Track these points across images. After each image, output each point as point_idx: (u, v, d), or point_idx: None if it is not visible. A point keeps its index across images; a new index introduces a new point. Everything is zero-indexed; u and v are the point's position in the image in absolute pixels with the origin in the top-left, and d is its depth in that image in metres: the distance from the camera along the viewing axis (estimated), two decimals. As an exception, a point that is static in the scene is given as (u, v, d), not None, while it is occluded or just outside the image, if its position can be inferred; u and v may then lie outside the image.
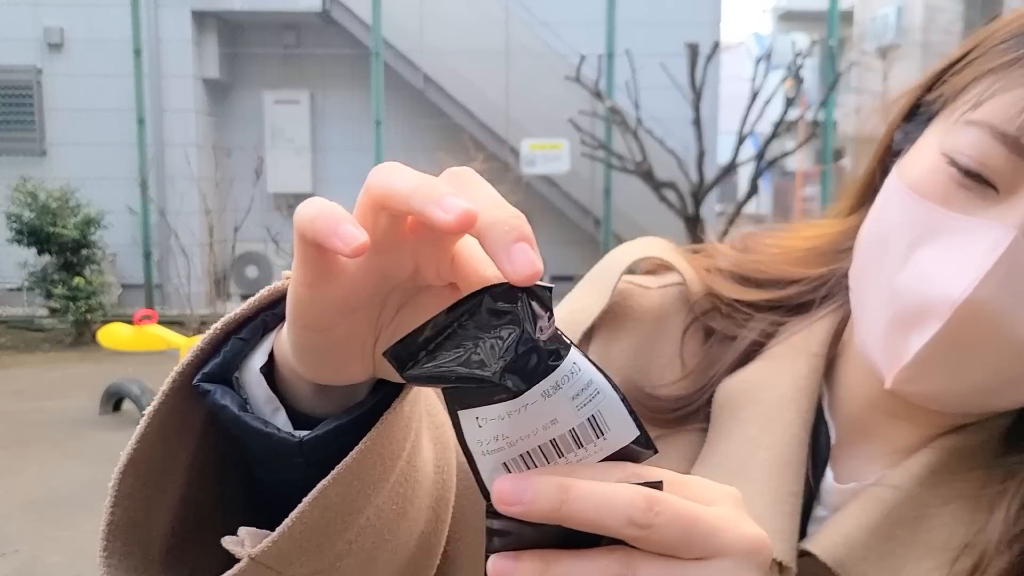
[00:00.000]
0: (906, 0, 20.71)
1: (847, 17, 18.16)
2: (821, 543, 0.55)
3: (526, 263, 0.33)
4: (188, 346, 3.91)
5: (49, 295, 7.55)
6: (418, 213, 0.34)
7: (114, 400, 5.43)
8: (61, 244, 7.53)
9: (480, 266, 0.38)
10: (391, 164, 0.36)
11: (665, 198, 7.24)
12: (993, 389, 0.51)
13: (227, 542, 0.42)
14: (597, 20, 8.44)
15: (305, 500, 0.40)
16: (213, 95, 9.40)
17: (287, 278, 0.42)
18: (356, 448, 0.41)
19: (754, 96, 7.05)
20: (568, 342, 0.37)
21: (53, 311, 7.71)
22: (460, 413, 0.37)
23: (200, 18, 9.04)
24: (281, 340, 0.43)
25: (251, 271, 9.31)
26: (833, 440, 0.60)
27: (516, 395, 0.35)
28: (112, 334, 5.10)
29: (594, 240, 8.87)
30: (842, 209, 0.64)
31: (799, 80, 7.22)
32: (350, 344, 0.40)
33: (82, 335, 7.63)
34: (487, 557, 0.37)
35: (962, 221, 0.49)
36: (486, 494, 0.37)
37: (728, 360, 0.62)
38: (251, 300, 0.45)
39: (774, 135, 7.22)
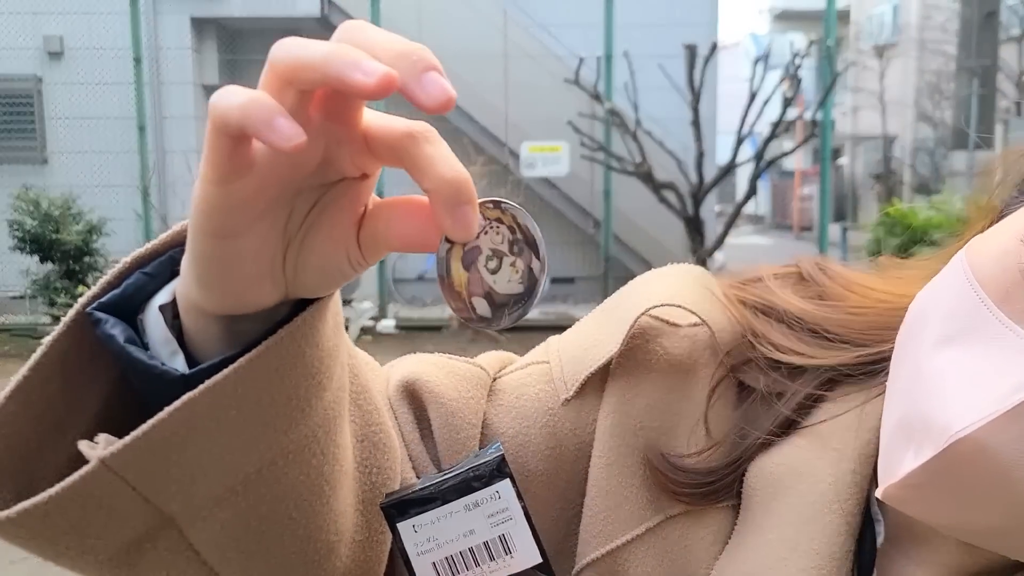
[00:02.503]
0: (902, -1, 20.76)
1: (843, 16, 18.20)
2: None
3: (438, 90, 0.33)
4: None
5: (52, 303, 7.56)
6: (335, 81, 0.32)
7: (119, 407, 5.45)
8: (64, 252, 7.54)
9: (394, 126, 0.37)
10: (293, 38, 0.34)
11: (665, 199, 7.26)
12: (1013, 533, 0.42)
13: (82, 445, 0.39)
14: (595, 22, 8.47)
15: (171, 407, 0.38)
16: (213, 101, 9.42)
17: None
18: (233, 364, 0.38)
19: (753, 97, 7.07)
20: (506, 472, 0.46)
21: (56, 319, 7.71)
22: (399, 525, 0.46)
23: (199, 25, 9.07)
24: (183, 274, 0.40)
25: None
26: (880, 542, 0.50)
27: (445, 503, 0.45)
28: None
29: (594, 242, 8.90)
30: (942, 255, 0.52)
31: (798, 80, 7.25)
32: (259, 255, 0.38)
33: (85, 342, 7.65)
34: None
35: (1009, 332, 0.40)
36: None
37: (765, 429, 0.52)
38: (165, 234, 0.43)
39: (773, 135, 7.25)
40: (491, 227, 0.40)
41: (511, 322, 0.40)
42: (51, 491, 0.38)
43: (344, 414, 0.45)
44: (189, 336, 0.41)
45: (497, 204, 0.40)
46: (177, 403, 0.38)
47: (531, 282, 0.40)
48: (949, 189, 8.55)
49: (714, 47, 7.22)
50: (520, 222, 0.41)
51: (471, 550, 0.46)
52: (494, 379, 0.59)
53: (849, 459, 0.49)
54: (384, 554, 0.51)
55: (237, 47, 9.35)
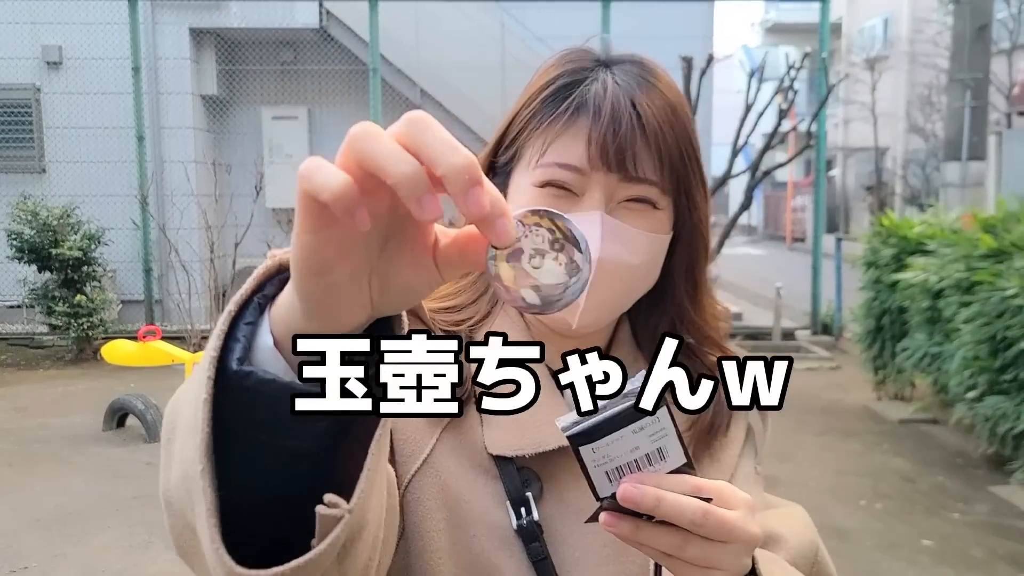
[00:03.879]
0: (893, 12, 20.92)
1: (835, 29, 18.32)
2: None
3: (478, 204, 0.43)
4: (193, 361, 3.93)
5: (50, 312, 7.56)
6: (400, 195, 0.42)
7: (118, 416, 5.44)
8: (62, 261, 7.55)
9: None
10: (368, 130, 0.43)
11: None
12: (623, 299, 0.82)
13: (322, 509, 0.48)
14: (591, 34, 8.53)
15: (372, 449, 0.49)
16: (212, 112, 9.45)
17: (272, 256, 0.52)
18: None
19: (748, 109, 7.13)
20: (664, 401, 0.58)
21: (54, 328, 7.72)
22: (581, 448, 0.59)
23: (198, 36, 9.10)
24: (288, 310, 0.49)
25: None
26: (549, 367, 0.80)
27: (618, 429, 0.58)
28: (116, 350, 5.11)
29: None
30: None
31: (793, 92, 7.31)
32: (352, 283, 0.47)
33: (83, 352, 7.65)
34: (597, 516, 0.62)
35: (572, 217, 0.68)
36: (596, 495, 0.61)
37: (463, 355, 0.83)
38: (249, 282, 0.51)
39: (767, 147, 7.31)
40: (531, 231, 0.49)
41: (564, 305, 0.50)
42: (320, 548, 0.48)
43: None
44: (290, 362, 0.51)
45: (535, 211, 0.49)
46: (374, 444, 0.50)
47: (576, 271, 0.50)
48: (943, 200, 8.62)
49: (710, 59, 7.29)
50: (558, 224, 0.49)
51: (635, 461, 0.60)
52: None
53: (518, 335, 0.85)
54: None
55: (236, 58, 9.38)
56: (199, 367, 0.49)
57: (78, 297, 7.51)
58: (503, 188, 0.83)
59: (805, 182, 21.81)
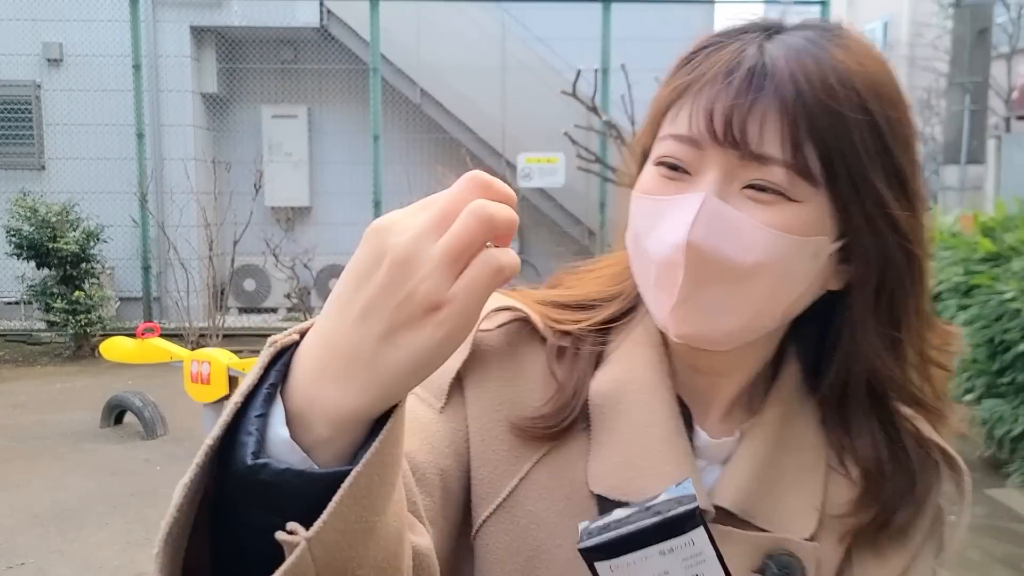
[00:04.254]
0: (893, 15, 20.95)
1: (836, 32, 18.30)
2: (723, 496, 0.70)
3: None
4: (192, 359, 3.90)
5: (48, 308, 7.56)
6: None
7: (115, 413, 5.44)
8: (60, 258, 7.55)
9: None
10: (485, 208, 0.44)
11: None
12: (742, 309, 0.66)
13: (281, 535, 0.44)
14: (592, 35, 8.55)
15: (344, 485, 0.44)
16: (212, 110, 9.45)
17: (273, 343, 0.49)
18: (382, 433, 0.45)
19: (747, 111, 7.13)
20: (699, 520, 0.50)
21: (52, 324, 7.72)
22: (598, 565, 0.51)
23: (199, 34, 9.10)
24: (332, 398, 0.45)
25: (249, 284, 9.33)
26: (688, 405, 0.74)
27: (643, 548, 0.50)
28: (115, 347, 5.10)
29: (589, 252, 8.93)
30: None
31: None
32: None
33: (80, 348, 7.65)
34: None
35: (675, 198, 0.66)
36: None
37: (585, 368, 0.74)
38: (255, 369, 0.48)
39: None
40: None
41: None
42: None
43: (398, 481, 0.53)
44: (312, 455, 0.47)
45: None
46: (351, 476, 0.44)
47: None
48: (941, 204, 8.63)
49: (710, 61, 7.29)
50: None
51: None
52: None
53: (654, 359, 0.73)
54: None
55: (236, 56, 9.38)
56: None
57: (76, 294, 7.51)
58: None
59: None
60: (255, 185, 7.52)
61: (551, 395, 0.72)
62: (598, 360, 0.74)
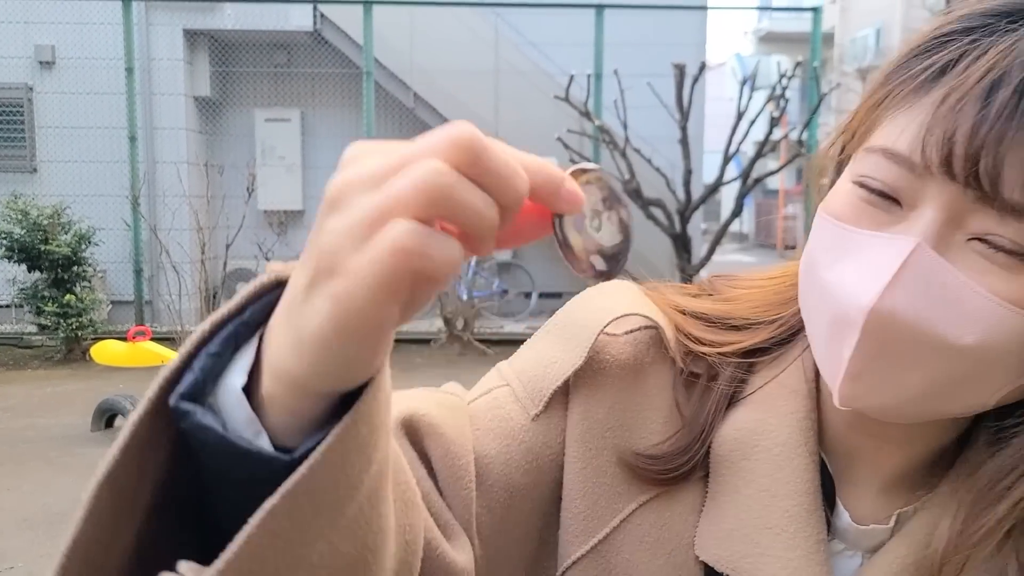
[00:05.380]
0: (885, 22, 21.07)
1: (827, 39, 18.45)
2: None
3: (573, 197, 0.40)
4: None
5: (40, 312, 7.53)
6: (472, 239, 0.37)
7: (106, 416, 5.42)
8: (52, 261, 7.52)
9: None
10: (442, 174, 0.35)
11: (652, 216, 7.34)
12: (936, 393, 0.52)
13: (183, 566, 0.38)
14: (585, 41, 8.57)
15: (252, 521, 0.37)
16: (205, 113, 9.44)
17: (272, 271, 0.41)
18: (307, 461, 0.37)
19: (739, 117, 7.17)
20: None
21: (43, 328, 7.68)
22: None
23: (192, 37, 9.09)
24: (288, 357, 0.38)
25: (242, 287, 9.28)
26: (833, 473, 0.61)
27: None
28: (106, 351, 5.10)
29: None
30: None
31: (785, 101, 7.35)
32: (388, 328, 0.37)
33: (72, 352, 7.61)
34: None
35: (873, 237, 0.52)
36: None
37: (716, 404, 0.61)
38: (217, 313, 0.41)
39: (759, 155, 7.35)
40: (584, 191, 0.42)
41: (620, 270, 0.44)
42: None
43: (387, 483, 0.44)
44: (268, 415, 0.40)
45: (583, 170, 0.43)
46: (262, 512, 0.37)
47: (626, 230, 0.44)
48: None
49: (702, 67, 7.32)
50: (604, 180, 0.44)
51: None
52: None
53: (799, 412, 0.59)
54: None
55: (229, 59, 9.37)
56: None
57: (67, 297, 7.48)
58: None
59: (796, 190, 21.92)
60: (248, 189, 7.51)
61: (672, 432, 0.61)
62: (733, 398, 0.62)
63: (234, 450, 0.38)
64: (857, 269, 0.51)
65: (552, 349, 0.63)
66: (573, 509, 0.60)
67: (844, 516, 0.60)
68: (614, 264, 0.43)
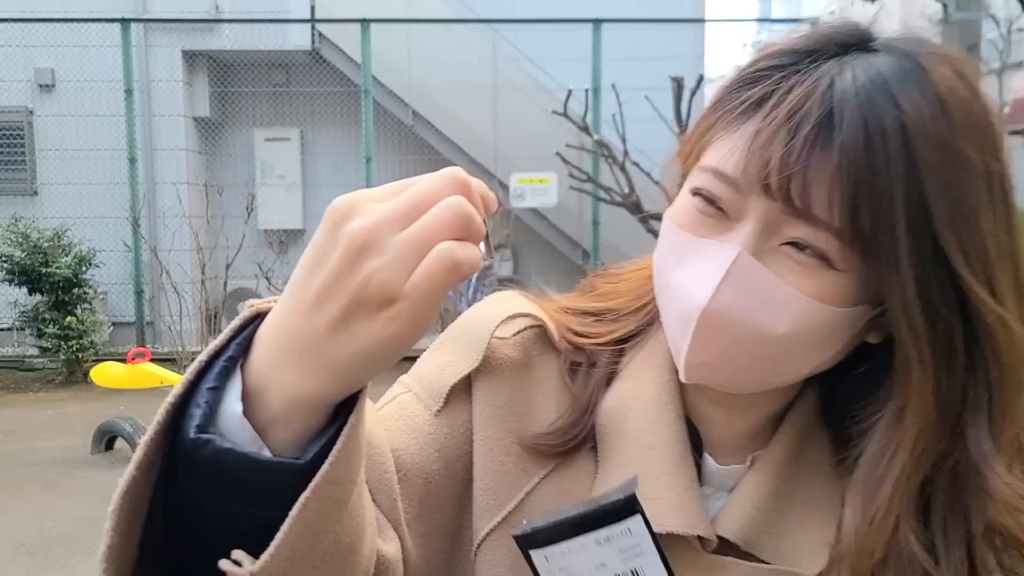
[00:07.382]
0: (882, 32, 21.08)
1: (827, 49, 18.45)
2: (727, 526, 0.67)
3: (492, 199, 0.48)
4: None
5: (40, 334, 7.52)
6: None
7: (106, 439, 5.40)
8: (53, 283, 7.52)
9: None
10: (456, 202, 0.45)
11: (652, 230, 7.33)
12: (760, 370, 0.63)
13: (225, 564, 0.44)
14: (583, 55, 8.59)
15: (292, 513, 0.44)
16: (204, 134, 9.47)
17: (251, 305, 0.49)
18: (328, 459, 0.45)
19: (738, 128, 7.16)
20: (637, 509, 0.47)
21: (44, 350, 7.67)
22: (532, 553, 0.49)
23: (190, 58, 9.14)
24: (293, 378, 0.45)
25: (242, 307, 9.30)
26: (698, 430, 0.72)
27: (576, 536, 0.47)
28: (105, 372, 5.08)
29: (583, 272, 8.90)
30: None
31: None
32: None
33: (73, 374, 7.60)
34: None
35: (705, 244, 0.62)
36: None
37: (596, 385, 0.72)
38: (220, 337, 0.48)
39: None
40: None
41: (492, 284, 0.48)
42: None
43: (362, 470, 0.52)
44: (272, 434, 0.46)
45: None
46: (299, 504, 0.44)
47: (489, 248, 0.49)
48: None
49: (700, 80, 7.32)
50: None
51: None
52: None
53: (663, 378, 0.70)
54: None
55: (228, 80, 9.41)
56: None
57: (68, 319, 7.48)
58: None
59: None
60: (248, 208, 7.53)
61: (563, 411, 0.70)
62: (611, 378, 0.72)
63: (258, 466, 0.44)
64: (694, 273, 0.61)
65: (448, 355, 0.72)
66: (483, 487, 0.68)
67: (710, 461, 0.70)
68: (482, 280, 0.47)
